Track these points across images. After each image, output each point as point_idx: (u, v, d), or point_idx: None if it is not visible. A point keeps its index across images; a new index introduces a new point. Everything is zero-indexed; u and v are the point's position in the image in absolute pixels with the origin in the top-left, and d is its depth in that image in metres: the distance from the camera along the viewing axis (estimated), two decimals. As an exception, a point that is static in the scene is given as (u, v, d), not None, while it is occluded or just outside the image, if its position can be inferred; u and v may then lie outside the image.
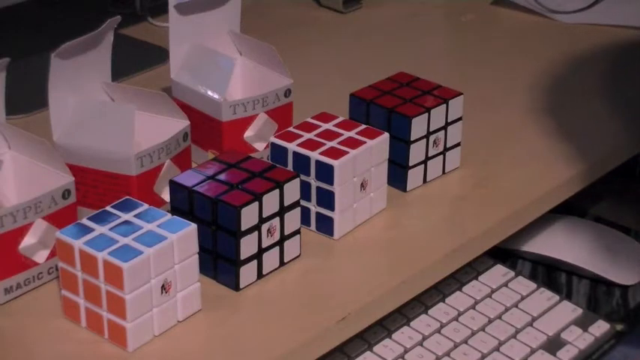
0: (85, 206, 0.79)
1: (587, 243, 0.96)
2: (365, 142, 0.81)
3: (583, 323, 0.86)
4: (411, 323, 0.83)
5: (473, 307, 0.85)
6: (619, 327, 0.86)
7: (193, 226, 0.71)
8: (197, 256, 0.72)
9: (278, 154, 0.81)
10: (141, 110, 0.81)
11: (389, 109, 0.86)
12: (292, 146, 0.80)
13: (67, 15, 1.16)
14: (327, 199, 0.80)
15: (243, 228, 0.73)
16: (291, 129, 0.83)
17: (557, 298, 0.88)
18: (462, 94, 0.89)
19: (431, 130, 0.87)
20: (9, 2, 1.04)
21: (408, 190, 0.87)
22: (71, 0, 1.19)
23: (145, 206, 0.72)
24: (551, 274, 0.95)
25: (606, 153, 0.95)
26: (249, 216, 0.73)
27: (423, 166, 0.87)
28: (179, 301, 0.71)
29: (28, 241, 0.73)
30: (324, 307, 0.74)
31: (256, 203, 0.74)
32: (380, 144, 0.82)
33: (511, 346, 0.82)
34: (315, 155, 0.79)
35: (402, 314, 0.83)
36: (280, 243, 0.77)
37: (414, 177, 0.87)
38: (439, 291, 0.86)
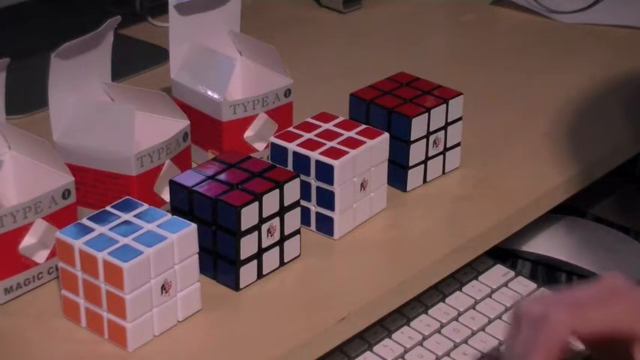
0: (85, 206, 0.79)
1: (587, 243, 0.96)
2: (365, 142, 0.81)
3: (583, 323, 0.86)
4: (411, 323, 0.83)
5: (473, 307, 0.85)
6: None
7: (193, 226, 0.71)
8: (197, 256, 0.72)
9: (278, 154, 0.81)
10: (141, 110, 0.81)
11: (389, 109, 0.86)
12: (292, 146, 0.80)
13: (67, 15, 1.16)
14: (327, 199, 0.80)
15: (243, 228, 0.73)
16: (291, 129, 0.83)
17: (557, 298, 0.88)
18: (462, 94, 0.89)
19: (431, 130, 0.87)
20: (9, 2, 1.04)
21: (408, 190, 0.87)
22: (71, 0, 1.19)
23: (145, 206, 0.72)
24: (551, 274, 0.95)
25: (606, 153, 0.95)
26: (249, 216, 0.73)
27: (423, 166, 0.87)
28: (179, 301, 0.71)
29: (28, 241, 0.73)
30: (324, 307, 0.74)
31: (256, 203, 0.74)
32: (380, 144, 0.82)
33: (511, 346, 0.82)
34: (315, 155, 0.79)
35: (402, 314, 0.83)
36: (280, 243, 0.77)
37: (413, 177, 0.87)
38: (439, 291, 0.86)
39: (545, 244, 0.95)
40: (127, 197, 0.74)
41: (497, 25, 1.23)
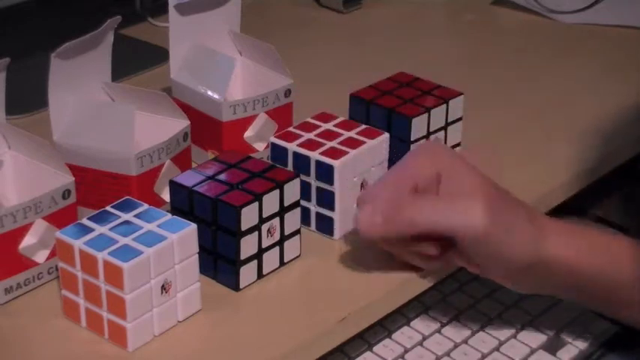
0: (85, 206, 0.79)
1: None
2: (365, 142, 0.81)
3: (583, 323, 0.86)
4: (411, 323, 0.83)
5: (473, 306, 0.85)
6: (619, 327, 0.86)
7: (193, 226, 0.71)
8: (197, 256, 0.71)
9: (278, 154, 0.81)
10: (141, 110, 0.81)
11: (389, 109, 0.86)
12: (292, 146, 0.80)
13: (67, 15, 1.16)
14: (327, 199, 0.80)
15: (243, 228, 0.73)
16: (291, 129, 0.83)
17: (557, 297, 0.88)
18: (462, 94, 0.89)
19: (431, 130, 0.87)
20: (9, 2, 1.04)
21: (408, 190, 0.87)
22: (71, 0, 1.19)
23: (145, 206, 0.72)
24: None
25: (607, 152, 0.95)
26: (249, 216, 0.73)
27: (423, 166, 0.87)
28: (179, 301, 0.71)
29: (28, 241, 0.73)
30: (324, 307, 0.74)
31: (256, 203, 0.74)
32: (380, 144, 0.82)
33: (511, 346, 0.82)
34: (315, 155, 0.79)
35: (402, 314, 0.83)
36: (280, 243, 0.77)
37: (414, 177, 0.87)
38: (439, 291, 0.86)
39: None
40: (127, 197, 0.74)
41: (497, 25, 1.23)
